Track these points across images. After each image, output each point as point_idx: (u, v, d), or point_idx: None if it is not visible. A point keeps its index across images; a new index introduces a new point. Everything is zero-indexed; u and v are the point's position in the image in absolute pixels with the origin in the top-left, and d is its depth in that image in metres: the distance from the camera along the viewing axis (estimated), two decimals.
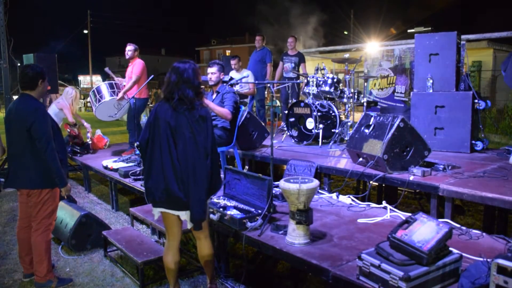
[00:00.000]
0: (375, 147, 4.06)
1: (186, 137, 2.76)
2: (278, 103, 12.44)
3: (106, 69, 7.49)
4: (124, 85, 6.67)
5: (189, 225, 2.92)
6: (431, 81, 5.19)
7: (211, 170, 2.82)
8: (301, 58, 7.96)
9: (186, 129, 2.76)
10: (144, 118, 13.71)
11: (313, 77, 6.24)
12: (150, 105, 17.16)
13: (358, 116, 5.57)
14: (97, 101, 6.50)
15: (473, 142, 5.01)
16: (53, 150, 3.31)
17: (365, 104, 6.23)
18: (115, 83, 6.71)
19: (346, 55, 6.68)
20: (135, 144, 5.28)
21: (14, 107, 3.38)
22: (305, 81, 6.59)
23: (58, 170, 3.36)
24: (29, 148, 3.31)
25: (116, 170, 5.55)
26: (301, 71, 7.88)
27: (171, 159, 2.76)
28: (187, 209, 2.81)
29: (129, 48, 6.71)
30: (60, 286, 3.50)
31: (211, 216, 3.39)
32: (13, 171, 3.41)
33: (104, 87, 6.63)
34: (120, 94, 6.41)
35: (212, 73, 4.87)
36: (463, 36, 6.60)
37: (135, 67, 6.59)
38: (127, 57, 6.75)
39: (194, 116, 2.78)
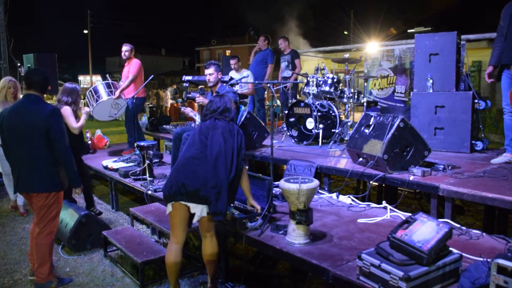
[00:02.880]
0: (375, 147, 4.06)
1: (218, 132, 3.06)
2: (279, 102, 12.43)
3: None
4: (121, 85, 6.70)
5: (195, 219, 2.96)
6: (431, 81, 5.19)
7: (234, 176, 3.00)
8: (293, 55, 7.93)
9: (220, 128, 3.10)
10: (144, 118, 13.73)
11: (313, 77, 6.24)
12: (150, 105, 17.16)
13: (358, 116, 5.57)
14: (95, 101, 6.51)
15: (473, 142, 5.01)
16: (70, 151, 3.36)
17: (365, 104, 6.23)
18: (111, 83, 6.73)
19: (346, 55, 6.68)
20: (135, 144, 5.28)
21: (24, 108, 3.30)
22: (305, 80, 6.58)
23: (75, 170, 3.42)
24: (40, 150, 3.27)
25: (116, 170, 5.55)
26: (296, 67, 7.85)
27: (196, 153, 3.02)
28: (199, 202, 2.91)
29: (126, 49, 6.75)
30: (60, 286, 3.50)
31: None
32: (23, 174, 3.34)
33: (101, 87, 6.66)
34: (117, 93, 6.43)
35: (209, 74, 4.84)
36: (463, 36, 6.61)
37: (132, 66, 6.63)
38: (124, 57, 6.79)
39: (229, 126, 3.15)
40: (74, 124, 4.70)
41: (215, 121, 3.18)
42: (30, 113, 3.26)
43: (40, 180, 3.30)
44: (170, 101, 18.32)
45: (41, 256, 3.41)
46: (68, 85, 4.95)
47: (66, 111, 4.68)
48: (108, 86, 6.63)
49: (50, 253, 3.46)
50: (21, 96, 5.45)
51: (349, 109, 6.28)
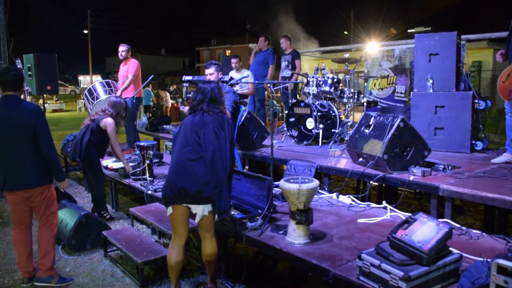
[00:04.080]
0: (375, 147, 4.06)
1: (210, 129, 2.97)
2: (275, 103, 12.40)
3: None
4: (121, 84, 6.71)
5: (197, 219, 2.96)
6: (431, 81, 5.19)
7: (230, 168, 2.96)
8: (294, 55, 7.90)
9: (210, 123, 2.99)
10: (144, 118, 13.73)
11: (313, 77, 6.24)
12: (150, 103, 17.17)
13: (358, 116, 5.57)
14: (95, 99, 6.52)
15: (473, 142, 5.01)
16: (54, 146, 3.42)
17: (365, 104, 6.23)
18: (111, 82, 6.75)
19: (346, 55, 6.67)
20: (135, 144, 5.28)
21: (6, 109, 3.30)
22: (305, 80, 6.58)
23: (59, 164, 3.50)
24: (29, 147, 3.31)
25: (116, 170, 5.56)
26: (296, 68, 7.83)
27: (192, 154, 2.96)
28: (202, 203, 2.92)
29: (123, 49, 6.75)
30: (60, 284, 3.51)
31: None
32: (12, 173, 3.34)
33: (98, 85, 6.68)
34: (119, 92, 6.46)
35: (210, 74, 4.84)
36: (463, 36, 6.60)
37: (131, 66, 6.63)
38: (121, 57, 6.80)
39: (218, 118, 3.04)
40: (114, 140, 4.97)
41: (203, 115, 3.04)
42: (14, 113, 3.29)
43: (33, 175, 3.35)
44: (170, 101, 18.31)
45: (44, 247, 3.49)
46: (113, 98, 5.26)
47: (110, 124, 4.93)
48: (107, 84, 6.64)
49: (53, 244, 3.55)
50: None
51: (349, 109, 6.28)
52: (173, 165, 3.03)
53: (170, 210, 3.01)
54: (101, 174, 5.16)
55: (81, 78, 44.33)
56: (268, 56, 7.96)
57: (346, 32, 32.74)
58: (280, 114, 10.73)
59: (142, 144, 4.96)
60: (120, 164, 5.67)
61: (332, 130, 5.85)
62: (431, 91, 5.21)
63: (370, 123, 4.32)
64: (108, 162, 5.85)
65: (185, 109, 5.38)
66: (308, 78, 6.30)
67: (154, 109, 17.13)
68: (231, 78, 5.82)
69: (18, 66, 6.73)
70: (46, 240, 3.50)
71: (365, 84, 7.02)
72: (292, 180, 2.94)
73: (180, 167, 2.97)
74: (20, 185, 3.36)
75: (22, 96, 3.50)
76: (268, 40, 8.09)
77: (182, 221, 3.03)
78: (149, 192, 4.60)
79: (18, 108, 3.30)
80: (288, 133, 6.23)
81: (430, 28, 26.54)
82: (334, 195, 4.21)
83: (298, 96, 8.66)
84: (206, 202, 2.93)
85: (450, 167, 4.02)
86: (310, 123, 5.82)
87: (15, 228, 3.55)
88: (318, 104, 5.88)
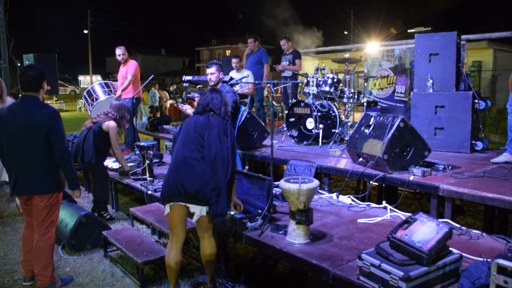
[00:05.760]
0: (375, 147, 4.06)
1: (214, 132, 2.98)
2: (275, 104, 12.38)
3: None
4: (120, 85, 6.73)
5: (194, 218, 2.96)
6: (431, 81, 5.19)
7: (230, 175, 2.97)
8: (295, 55, 7.90)
9: (215, 127, 3.02)
10: (144, 118, 13.73)
11: (313, 77, 6.24)
12: (155, 104, 17.19)
13: (358, 116, 5.57)
14: (94, 100, 6.53)
15: (473, 142, 5.01)
16: (69, 152, 3.33)
17: (365, 104, 6.23)
18: (110, 83, 6.77)
19: (346, 55, 6.67)
20: (135, 144, 5.28)
21: (23, 110, 3.21)
22: (305, 80, 6.58)
23: (73, 172, 3.39)
24: (41, 151, 3.21)
25: (116, 170, 5.56)
26: (296, 65, 7.83)
27: (194, 153, 2.96)
28: (199, 203, 2.90)
29: (120, 52, 6.76)
30: (64, 285, 3.49)
31: None
32: (22, 177, 3.25)
33: (97, 87, 6.70)
34: (119, 92, 6.47)
35: (211, 73, 4.85)
36: (463, 36, 6.60)
37: (130, 67, 6.65)
38: (121, 61, 6.79)
39: (223, 125, 3.07)
40: (115, 143, 4.92)
41: (209, 117, 3.08)
42: (30, 114, 3.19)
43: (43, 181, 3.25)
44: (169, 101, 18.31)
45: (44, 259, 3.36)
46: (115, 101, 5.21)
47: (112, 127, 4.89)
48: (105, 85, 6.67)
49: (52, 256, 3.44)
50: (6, 97, 5.38)
51: (349, 109, 6.28)
52: (173, 163, 3.02)
53: (167, 209, 2.99)
54: (105, 176, 5.14)
55: (81, 78, 44.34)
56: (261, 56, 7.94)
57: (346, 32, 32.78)
58: (280, 114, 10.73)
59: (142, 144, 4.96)
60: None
61: (332, 130, 5.85)
62: (431, 91, 5.21)
63: (370, 123, 4.32)
64: (108, 162, 5.85)
65: (184, 107, 5.39)
66: (308, 78, 6.30)
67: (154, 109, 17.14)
68: (231, 78, 5.82)
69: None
70: (44, 253, 3.35)
71: (365, 84, 7.02)
72: (292, 180, 2.94)
73: (181, 165, 2.96)
74: (29, 190, 3.27)
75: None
76: (257, 40, 8.02)
77: (180, 221, 3.01)
78: (149, 192, 4.60)
79: (33, 110, 3.19)
80: (288, 133, 6.23)
81: (430, 28, 26.53)
82: (334, 195, 4.21)
83: (298, 96, 8.66)
84: (204, 204, 2.91)
85: (450, 167, 4.02)
86: (310, 123, 5.82)
87: (26, 227, 3.49)
88: (318, 104, 5.88)
